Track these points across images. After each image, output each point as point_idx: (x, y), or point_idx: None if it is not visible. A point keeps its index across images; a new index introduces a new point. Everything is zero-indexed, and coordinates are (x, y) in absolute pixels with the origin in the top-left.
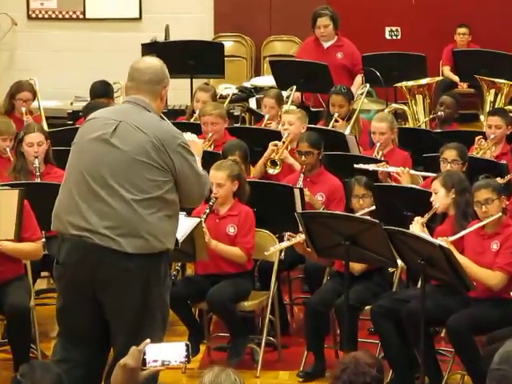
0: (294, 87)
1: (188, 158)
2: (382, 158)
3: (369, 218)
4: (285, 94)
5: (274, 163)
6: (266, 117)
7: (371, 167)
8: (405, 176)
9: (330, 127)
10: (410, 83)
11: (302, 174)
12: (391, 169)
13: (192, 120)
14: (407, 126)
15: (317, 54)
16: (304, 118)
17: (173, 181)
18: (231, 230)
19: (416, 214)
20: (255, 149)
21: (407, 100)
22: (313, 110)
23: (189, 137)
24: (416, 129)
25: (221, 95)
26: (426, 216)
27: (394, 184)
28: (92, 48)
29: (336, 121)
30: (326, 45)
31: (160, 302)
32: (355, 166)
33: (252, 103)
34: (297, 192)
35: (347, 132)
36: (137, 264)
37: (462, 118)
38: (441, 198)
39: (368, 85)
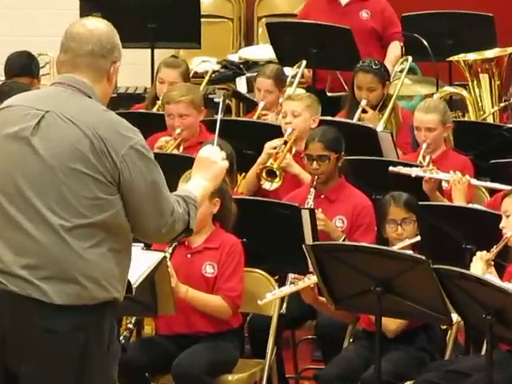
0: (304, 62)
1: (146, 168)
2: (431, 166)
3: (411, 252)
4: (289, 71)
5: (271, 173)
6: (261, 105)
7: (414, 172)
8: (462, 187)
9: (354, 120)
10: (471, 56)
11: (312, 189)
12: (443, 175)
13: (154, 109)
14: (467, 118)
15: (332, 13)
16: (316, 106)
17: (122, 200)
18: (209, 269)
19: (479, 247)
20: (245, 152)
21: (467, 81)
22: (330, 94)
23: (207, 153)
24: (480, 123)
25: (195, 73)
26: (494, 250)
27: (447, 203)
28: (7, 5)
29: (364, 111)
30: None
31: (102, 377)
32: (390, 168)
33: (240, 85)
34: (305, 214)
35: (380, 128)
36: (69, 321)
37: None
38: None
39: (410, 58)
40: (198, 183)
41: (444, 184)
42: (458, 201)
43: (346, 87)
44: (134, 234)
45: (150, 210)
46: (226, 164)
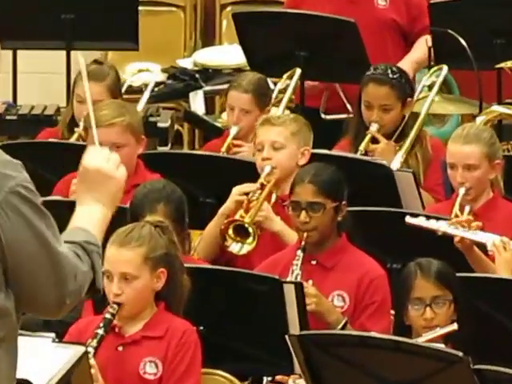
0: (298, 71)
1: (33, 217)
2: (467, 216)
3: (443, 346)
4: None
5: (241, 231)
6: (233, 131)
7: (441, 227)
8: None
9: (359, 153)
10: None
11: (300, 253)
12: (483, 236)
13: (72, 139)
14: None
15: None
16: (305, 134)
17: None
18: (150, 368)
19: None
20: (203, 200)
21: None
22: (326, 117)
23: (96, 161)
24: None
25: (130, 87)
26: None
27: (495, 276)
28: None
29: (374, 140)
30: None
31: None
32: (407, 219)
33: (196, 103)
34: (289, 290)
35: (397, 164)
36: None
37: None
38: None
39: (445, 68)
40: (91, 213)
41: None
42: (503, 274)
43: (350, 107)
44: (26, 311)
45: (45, 276)
46: (123, 174)
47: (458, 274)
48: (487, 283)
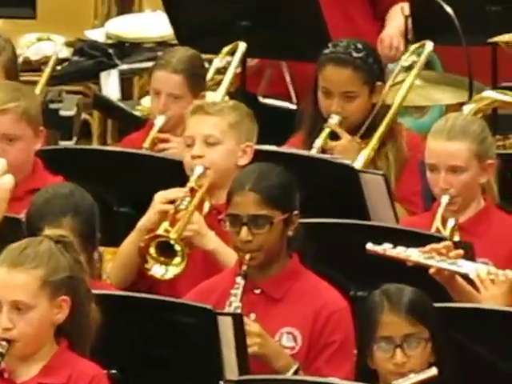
0: (242, 45)
1: None
2: (456, 237)
3: None
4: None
5: (166, 249)
6: (160, 121)
7: (413, 256)
8: (499, 290)
9: (315, 151)
10: None
11: (240, 279)
12: (464, 266)
13: None
14: None
15: None
16: (247, 126)
17: None
18: None
19: None
20: (117, 209)
21: None
22: (264, 101)
23: None
24: None
25: (27, 62)
26: None
27: (484, 307)
28: None
29: (334, 135)
30: None
31: None
32: (368, 247)
33: (109, 86)
34: (226, 324)
35: (360, 165)
36: None
37: None
38: None
39: (430, 44)
40: None
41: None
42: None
43: (294, 94)
44: None
45: None
46: (8, 183)
47: (436, 305)
48: (474, 316)
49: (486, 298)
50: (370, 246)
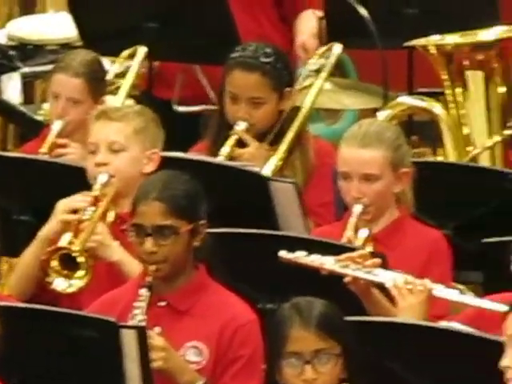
0: (142, 50)
1: None
2: (369, 248)
3: None
4: (112, 66)
5: (69, 262)
6: (57, 126)
7: (328, 265)
8: (417, 300)
9: (223, 157)
10: (452, 39)
11: (144, 291)
12: (381, 275)
13: None
14: (441, 158)
15: None
16: (153, 132)
17: None
18: None
19: None
20: (16, 217)
21: (442, 87)
22: (180, 109)
23: None
24: (466, 167)
25: None
26: None
27: (400, 320)
28: None
29: (241, 143)
30: None
31: None
32: (281, 254)
33: (11, 89)
34: (129, 337)
35: (267, 173)
36: None
37: None
38: None
39: (339, 46)
40: None
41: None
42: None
43: (212, 97)
44: None
45: None
46: None
47: (348, 319)
48: (387, 330)
49: (403, 307)
50: (282, 253)
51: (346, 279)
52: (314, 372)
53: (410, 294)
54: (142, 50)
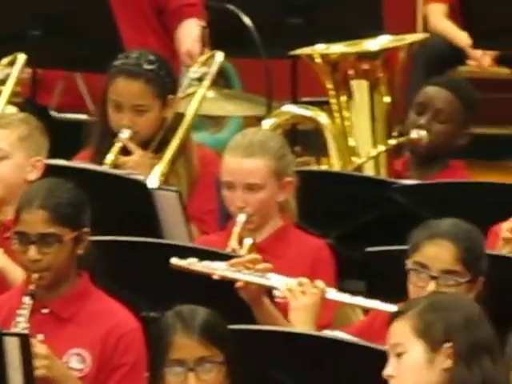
0: (21, 57)
1: None
2: (258, 258)
3: None
4: None
5: None
6: None
7: (218, 270)
8: (310, 302)
9: (107, 166)
10: (337, 49)
11: (28, 300)
12: (275, 280)
13: None
14: (326, 167)
15: None
16: (37, 139)
17: None
18: None
19: None
20: None
21: (327, 96)
22: (58, 115)
23: None
24: (351, 176)
25: None
26: None
27: (286, 329)
28: None
29: (126, 151)
30: None
31: None
32: (172, 261)
33: None
34: (12, 345)
35: (154, 181)
36: None
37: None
38: (410, 372)
39: (220, 55)
40: None
41: (277, 292)
42: (302, 325)
43: (92, 105)
44: None
45: None
46: None
47: (231, 327)
48: (271, 339)
49: (296, 308)
50: (174, 260)
51: (238, 284)
52: (197, 380)
53: (302, 296)
54: (21, 58)
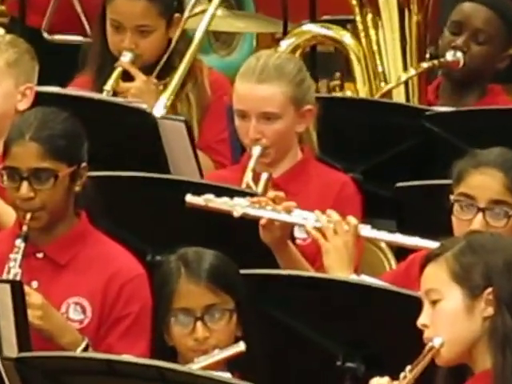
0: None
1: None
2: (270, 193)
3: (230, 377)
4: None
5: None
6: None
7: (238, 207)
8: (343, 241)
9: (106, 94)
10: None
11: (20, 243)
12: (299, 216)
13: None
14: (350, 93)
15: None
16: (27, 65)
17: None
18: None
19: (375, 368)
20: None
21: (352, 14)
22: (51, 37)
23: None
24: (377, 103)
25: None
26: (409, 375)
27: (298, 273)
28: None
29: (127, 75)
30: None
31: None
32: (188, 198)
33: None
34: (3, 292)
35: (160, 110)
36: None
37: None
38: (447, 321)
39: None
40: None
41: (299, 234)
42: (336, 270)
43: (88, 26)
44: None
45: None
46: None
47: (242, 272)
48: (287, 284)
49: (327, 251)
50: (189, 197)
51: (262, 221)
52: (206, 330)
53: (335, 236)
54: None
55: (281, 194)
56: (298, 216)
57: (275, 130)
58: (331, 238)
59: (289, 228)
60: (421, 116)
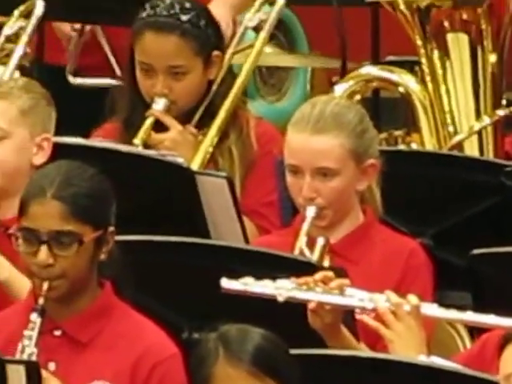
0: (39, 5)
1: None
2: (326, 262)
3: None
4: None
5: None
6: None
7: (284, 290)
8: (407, 325)
9: (136, 145)
10: None
11: (36, 317)
12: (354, 298)
13: None
14: (415, 145)
15: None
16: (44, 113)
17: None
18: None
19: None
20: None
21: (417, 55)
22: (76, 80)
23: None
24: (448, 156)
25: None
26: None
27: (376, 354)
28: None
29: (159, 125)
30: None
31: None
32: (223, 284)
33: None
34: (17, 374)
35: (197, 160)
36: None
37: None
38: None
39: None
40: None
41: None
42: (402, 351)
43: (118, 67)
44: None
45: None
46: None
47: (291, 352)
48: (341, 365)
49: (391, 340)
50: (225, 282)
51: (310, 306)
52: None
53: (396, 321)
54: (39, 7)
55: (329, 273)
56: (353, 297)
57: (333, 187)
58: (392, 324)
59: (341, 312)
60: (500, 172)
